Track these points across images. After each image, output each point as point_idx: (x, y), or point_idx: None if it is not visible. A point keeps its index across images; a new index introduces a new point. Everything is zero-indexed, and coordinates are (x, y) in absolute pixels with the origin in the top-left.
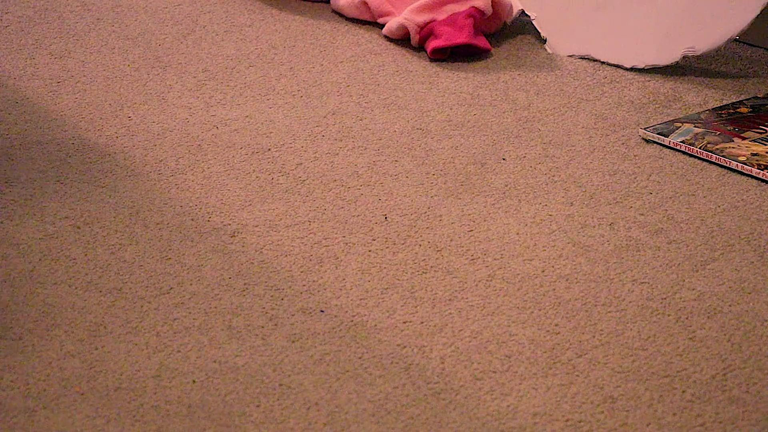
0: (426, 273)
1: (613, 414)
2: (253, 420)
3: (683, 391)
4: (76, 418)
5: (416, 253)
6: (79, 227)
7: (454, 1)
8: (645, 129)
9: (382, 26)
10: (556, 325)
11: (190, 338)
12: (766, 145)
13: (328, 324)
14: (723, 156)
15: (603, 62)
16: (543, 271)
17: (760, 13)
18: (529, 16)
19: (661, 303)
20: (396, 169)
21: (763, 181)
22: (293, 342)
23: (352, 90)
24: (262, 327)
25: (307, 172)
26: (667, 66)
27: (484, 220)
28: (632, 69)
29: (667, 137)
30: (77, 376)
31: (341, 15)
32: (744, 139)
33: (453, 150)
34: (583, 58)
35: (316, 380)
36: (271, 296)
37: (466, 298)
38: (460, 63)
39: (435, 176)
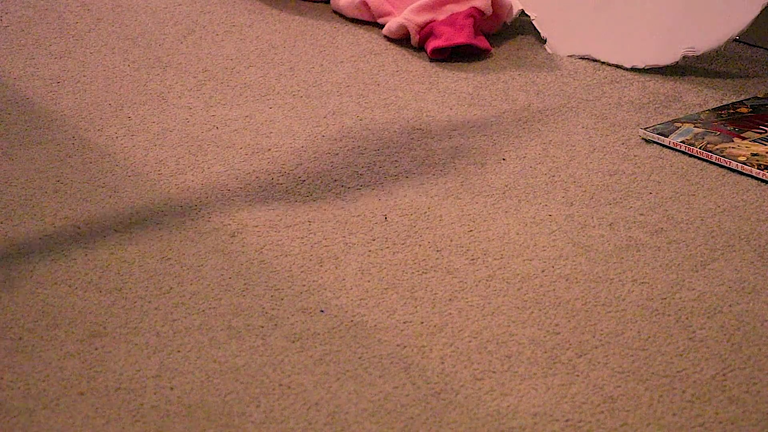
0: (426, 273)
1: (613, 414)
2: (253, 420)
3: (683, 391)
4: (76, 418)
5: (416, 253)
6: (79, 227)
7: (454, 1)
8: (645, 129)
9: (382, 26)
10: (556, 325)
11: (190, 338)
12: (766, 145)
13: (328, 324)
14: (723, 156)
15: (603, 62)
16: (543, 271)
17: (760, 13)
18: (529, 16)
19: (661, 303)
20: (396, 169)
21: (763, 181)
22: (293, 342)
23: (352, 90)
24: (262, 327)
25: (307, 172)
26: (667, 66)
27: (484, 220)
28: (632, 69)
29: (667, 137)
30: (77, 376)
31: (341, 15)
32: (744, 139)
33: (453, 150)
34: (583, 58)
35: (316, 380)
36: (271, 296)
37: (466, 298)
38: (460, 63)
39: (435, 176)
